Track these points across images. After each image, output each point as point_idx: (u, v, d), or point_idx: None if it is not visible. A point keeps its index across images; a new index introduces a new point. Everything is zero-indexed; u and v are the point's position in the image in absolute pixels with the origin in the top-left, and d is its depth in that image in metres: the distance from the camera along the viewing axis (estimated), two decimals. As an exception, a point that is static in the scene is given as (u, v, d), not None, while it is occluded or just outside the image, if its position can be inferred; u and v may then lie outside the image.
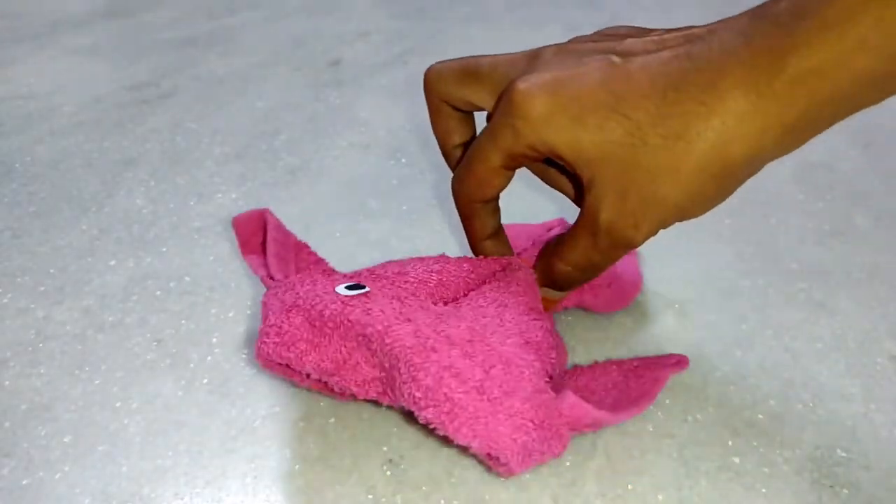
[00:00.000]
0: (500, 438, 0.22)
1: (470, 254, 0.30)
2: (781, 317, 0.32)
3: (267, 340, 0.25)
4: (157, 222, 0.38)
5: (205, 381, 0.28)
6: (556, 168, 0.30)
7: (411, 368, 0.22)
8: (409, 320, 0.24)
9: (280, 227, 0.31)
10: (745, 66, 0.22)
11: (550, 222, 0.35)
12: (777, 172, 0.42)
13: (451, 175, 0.29)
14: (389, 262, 0.29)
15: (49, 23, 0.68)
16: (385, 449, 0.26)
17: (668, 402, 0.27)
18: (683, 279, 0.34)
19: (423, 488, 0.24)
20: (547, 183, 0.31)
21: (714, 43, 0.23)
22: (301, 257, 0.31)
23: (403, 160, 0.45)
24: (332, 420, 0.27)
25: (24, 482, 0.24)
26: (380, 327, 0.23)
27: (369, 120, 0.50)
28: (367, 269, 0.28)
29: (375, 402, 0.27)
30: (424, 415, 0.22)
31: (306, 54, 0.61)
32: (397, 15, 0.70)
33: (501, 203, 0.29)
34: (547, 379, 0.24)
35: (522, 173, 0.29)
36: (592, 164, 0.24)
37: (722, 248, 0.36)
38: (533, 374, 0.23)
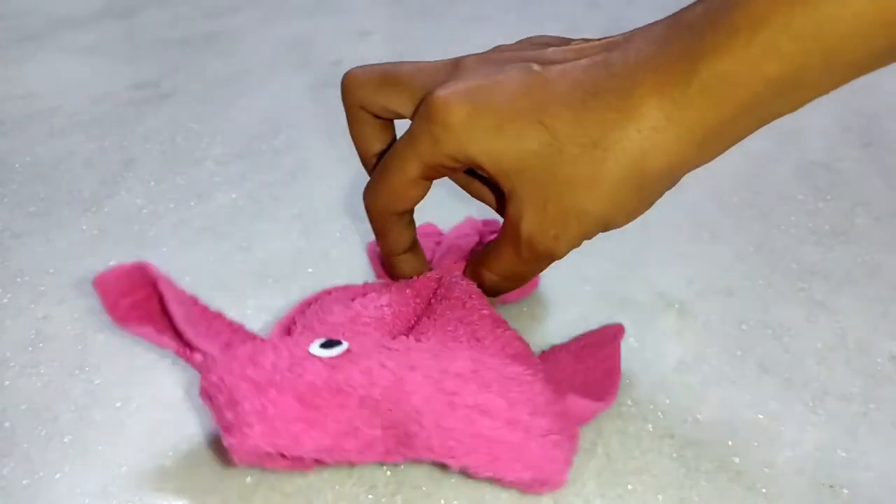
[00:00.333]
0: (543, 464, 0.21)
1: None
2: (781, 317, 0.32)
3: (250, 432, 0.21)
4: (157, 222, 0.38)
5: (205, 381, 0.28)
6: (478, 179, 0.30)
7: (437, 417, 0.21)
8: (413, 367, 0.22)
9: (173, 284, 0.24)
10: (658, 73, 0.21)
11: (460, 225, 0.34)
12: (777, 172, 0.42)
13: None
14: (317, 305, 0.27)
15: (49, 23, 0.68)
16: (385, 449, 0.26)
17: (668, 402, 0.27)
18: (683, 279, 0.34)
19: (423, 488, 0.24)
20: (470, 193, 0.30)
21: (630, 50, 0.22)
22: (210, 320, 0.26)
23: (403, 160, 0.45)
24: (332, 420, 0.27)
25: (24, 482, 0.24)
26: (387, 384, 0.21)
27: (369, 120, 0.50)
28: (302, 319, 0.26)
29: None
30: (463, 462, 0.21)
31: (306, 54, 0.61)
32: (397, 15, 0.70)
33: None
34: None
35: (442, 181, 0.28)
36: (512, 175, 0.23)
37: (722, 248, 0.36)
38: (539, 386, 0.23)
